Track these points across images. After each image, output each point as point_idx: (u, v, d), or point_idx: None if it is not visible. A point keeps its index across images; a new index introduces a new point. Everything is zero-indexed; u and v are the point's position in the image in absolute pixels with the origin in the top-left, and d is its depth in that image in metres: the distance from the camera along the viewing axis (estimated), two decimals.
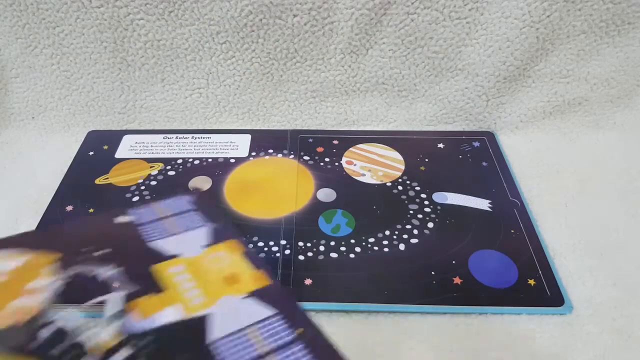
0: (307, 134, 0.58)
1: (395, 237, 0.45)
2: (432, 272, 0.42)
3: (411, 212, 0.48)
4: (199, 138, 0.58)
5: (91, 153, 0.56)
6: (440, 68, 0.55)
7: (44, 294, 0.25)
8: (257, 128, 0.60)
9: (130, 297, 0.26)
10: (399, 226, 0.47)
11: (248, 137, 0.58)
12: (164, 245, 0.30)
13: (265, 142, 0.57)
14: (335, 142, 0.57)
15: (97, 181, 0.52)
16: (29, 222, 0.47)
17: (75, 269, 0.28)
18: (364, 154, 0.55)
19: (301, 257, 0.44)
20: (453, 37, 0.53)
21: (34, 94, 0.59)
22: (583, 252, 0.45)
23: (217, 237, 0.32)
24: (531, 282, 0.41)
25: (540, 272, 0.42)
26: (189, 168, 0.53)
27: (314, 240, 0.45)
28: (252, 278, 0.29)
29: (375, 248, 0.45)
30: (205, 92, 0.58)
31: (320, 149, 0.56)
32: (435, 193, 0.50)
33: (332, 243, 0.45)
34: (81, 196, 0.50)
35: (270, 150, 0.56)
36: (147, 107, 0.59)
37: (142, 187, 0.51)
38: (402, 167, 0.53)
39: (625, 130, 0.58)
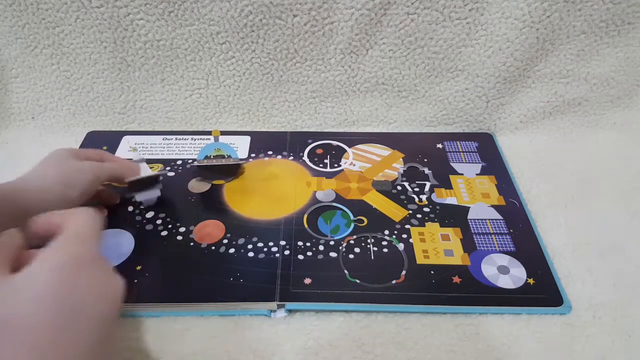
0: (307, 136, 0.58)
1: (394, 236, 0.46)
2: (432, 272, 0.42)
3: (410, 211, 0.48)
4: (198, 139, 0.58)
5: None
6: (441, 69, 0.55)
7: (399, 171, 0.53)
8: (257, 128, 0.59)
9: (435, 186, 0.51)
10: (398, 226, 0.47)
11: (247, 138, 0.58)
12: (456, 166, 0.54)
13: (265, 143, 0.57)
14: (335, 143, 0.57)
15: None
16: None
17: (411, 164, 0.54)
18: (364, 155, 0.55)
19: (300, 257, 0.44)
20: (453, 37, 0.53)
21: (34, 94, 0.59)
22: (582, 252, 0.45)
23: (484, 171, 0.53)
24: (530, 281, 0.41)
25: (539, 272, 0.42)
26: (188, 169, 0.53)
27: (313, 240, 0.45)
28: (497, 199, 0.50)
29: (375, 249, 0.45)
30: (205, 93, 0.58)
31: (319, 151, 0.56)
32: (435, 193, 0.50)
33: (332, 243, 0.45)
34: None
35: (270, 152, 0.56)
36: (146, 107, 0.59)
37: None
38: (402, 167, 0.54)
39: (624, 130, 0.58)
